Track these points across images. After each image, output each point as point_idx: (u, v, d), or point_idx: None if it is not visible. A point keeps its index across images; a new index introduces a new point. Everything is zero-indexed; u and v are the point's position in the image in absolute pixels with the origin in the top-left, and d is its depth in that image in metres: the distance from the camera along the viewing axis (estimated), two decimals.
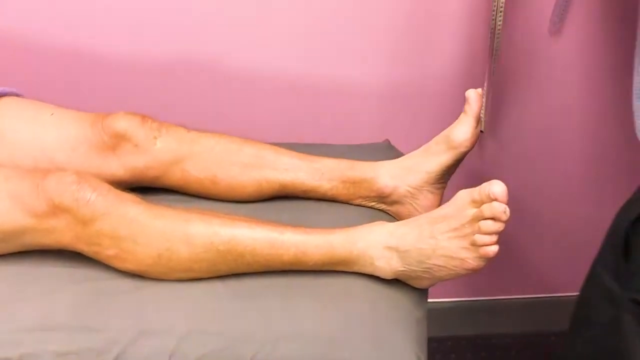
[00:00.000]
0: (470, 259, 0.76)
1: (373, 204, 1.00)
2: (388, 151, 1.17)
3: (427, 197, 0.96)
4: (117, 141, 0.95)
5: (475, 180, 0.93)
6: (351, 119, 1.35)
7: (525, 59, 1.31)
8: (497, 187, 0.72)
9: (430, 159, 0.93)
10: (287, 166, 0.99)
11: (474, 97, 0.91)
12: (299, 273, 0.86)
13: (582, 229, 1.49)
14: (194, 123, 1.03)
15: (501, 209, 0.71)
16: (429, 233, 0.79)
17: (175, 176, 1.00)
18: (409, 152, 0.99)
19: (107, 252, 0.83)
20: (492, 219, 0.73)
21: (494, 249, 0.74)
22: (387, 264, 0.83)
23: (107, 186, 0.84)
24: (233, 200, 1.01)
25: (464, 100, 1.29)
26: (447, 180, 0.98)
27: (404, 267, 0.82)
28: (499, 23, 1.16)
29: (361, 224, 0.94)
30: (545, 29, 1.28)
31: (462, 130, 0.91)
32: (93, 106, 1.02)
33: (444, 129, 0.95)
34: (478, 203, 0.74)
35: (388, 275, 0.84)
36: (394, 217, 1.00)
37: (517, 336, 1.64)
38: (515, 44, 1.28)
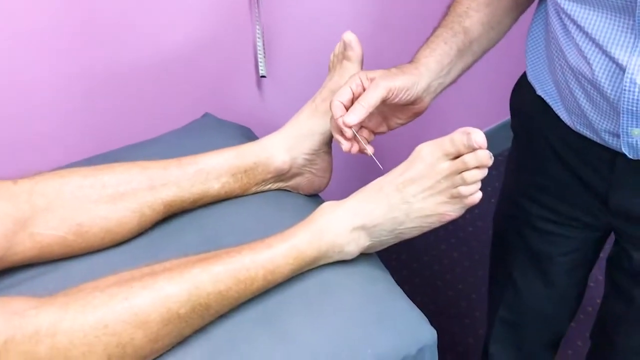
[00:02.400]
0: (451, 211, 0.73)
1: (270, 185, 0.88)
2: (218, 124, 1.03)
3: (324, 159, 0.88)
4: None
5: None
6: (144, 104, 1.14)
7: None
8: (479, 136, 0.68)
9: (322, 118, 0.84)
10: (163, 180, 0.80)
11: (354, 39, 0.83)
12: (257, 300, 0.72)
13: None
14: None
15: (487, 156, 0.69)
16: (400, 199, 0.73)
17: (23, 246, 0.72)
18: None
19: None
20: (477, 167, 0.70)
21: (480, 194, 0.72)
22: (356, 245, 0.75)
23: None
24: (112, 244, 0.78)
25: (235, 55, 1.21)
26: None
27: (372, 241, 0.76)
28: None
29: (282, 209, 0.84)
30: None
31: None
32: None
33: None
34: (452, 155, 0.71)
35: (354, 255, 0.77)
36: (293, 192, 0.90)
37: None
38: None
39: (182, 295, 0.64)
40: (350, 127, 0.75)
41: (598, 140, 0.81)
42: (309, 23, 1.32)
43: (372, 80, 0.77)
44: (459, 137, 0.69)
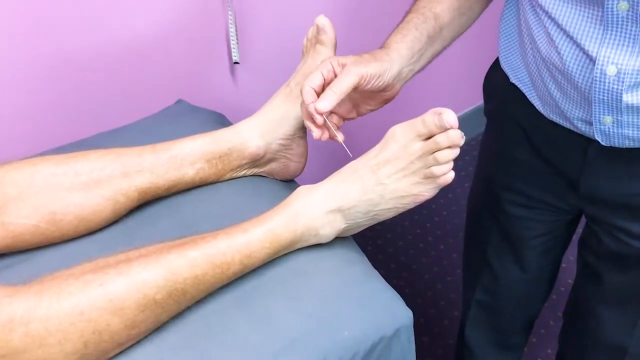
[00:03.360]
0: (424, 191, 0.74)
1: (245, 172, 0.88)
2: (191, 111, 1.03)
3: (299, 144, 0.88)
4: None
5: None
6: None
7: None
8: (450, 116, 0.69)
9: (296, 103, 0.84)
10: (137, 167, 0.79)
11: (327, 23, 0.83)
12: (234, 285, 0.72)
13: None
14: None
15: (459, 135, 0.70)
16: (375, 181, 0.74)
17: None
18: None
19: None
20: (449, 147, 0.71)
21: (452, 174, 0.73)
22: (332, 228, 0.75)
23: None
24: (86, 233, 0.78)
25: (207, 41, 1.20)
26: None
27: (348, 223, 0.76)
28: None
29: (257, 195, 0.84)
30: None
31: None
32: None
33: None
34: (424, 136, 0.71)
35: (330, 238, 0.77)
36: (268, 178, 0.90)
37: None
38: None
39: (158, 281, 0.64)
40: (321, 114, 0.75)
41: (571, 128, 0.82)
42: (282, 8, 1.32)
43: (343, 66, 0.77)
44: (430, 118, 0.69)
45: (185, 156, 0.82)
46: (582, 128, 0.80)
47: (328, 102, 0.74)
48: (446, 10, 0.86)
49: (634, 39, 0.68)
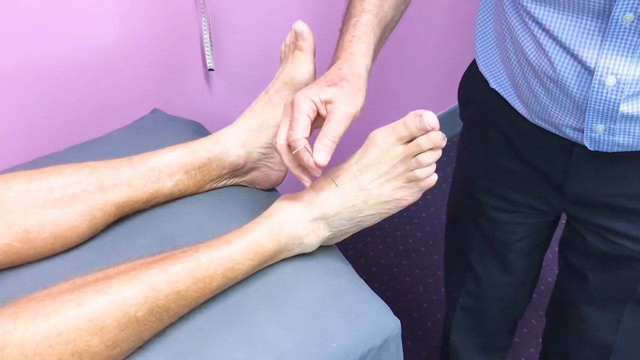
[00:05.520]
0: (408, 195, 0.73)
1: (225, 182, 0.86)
2: (168, 120, 1.01)
3: None
4: None
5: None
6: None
7: None
8: (431, 117, 0.68)
9: (275, 111, 0.82)
10: (114, 181, 0.77)
11: (306, 29, 0.82)
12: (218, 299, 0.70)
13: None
14: None
15: (440, 137, 0.69)
16: (357, 186, 0.72)
17: None
18: None
19: None
20: (431, 149, 0.70)
21: (436, 177, 0.72)
22: (316, 236, 0.74)
23: None
24: (61, 250, 0.75)
25: (181, 48, 1.18)
26: None
27: (332, 231, 0.75)
28: None
29: (239, 206, 0.82)
30: None
31: (305, 70, 0.82)
32: None
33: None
34: (405, 139, 0.70)
35: (315, 247, 0.76)
36: (249, 188, 0.88)
37: None
38: None
39: (139, 298, 0.62)
40: (321, 167, 0.67)
41: (558, 133, 0.81)
42: (258, 13, 1.30)
43: (327, 103, 0.70)
44: (411, 120, 0.68)
45: (163, 168, 0.80)
46: (570, 134, 0.79)
47: (328, 153, 0.67)
48: (390, 8, 0.83)
49: (634, 48, 0.68)
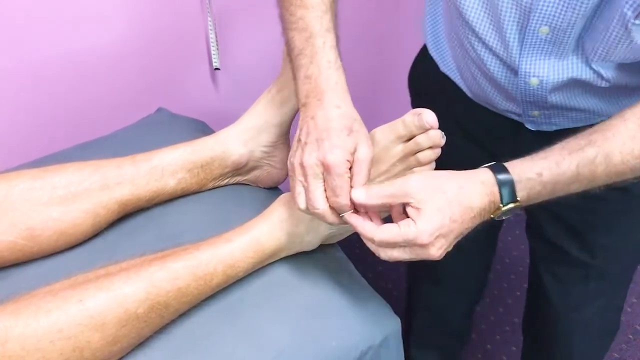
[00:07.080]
0: None
1: (227, 180, 0.86)
2: (172, 119, 1.01)
3: (283, 150, 0.86)
4: None
5: None
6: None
7: None
8: (430, 116, 0.68)
9: (278, 109, 0.83)
10: (117, 179, 0.78)
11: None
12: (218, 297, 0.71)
13: None
14: None
15: (439, 135, 0.69)
16: None
17: None
18: None
19: None
20: (430, 147, 0.70)
21: None
22: (316, 234, 0.74)
23: None
24: (65, 248, 0.76)
25: (187, 48, 1.19)
26: None
27: (332, 230, 0.75)
28: None
29: (241, 204, 0.83)
30: None
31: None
32: None
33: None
34: (404, 137, 0.70)
35: (315, 246, 0.76)
36: (252, 186, 0.89)
37: None
38: None
39: (140, 295, 0.63)
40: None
41: (502, 114, 0.86)
42: (262, 12, 1.30)
43: (353, 154, 0.64)
44: (410, 119, 0.69)
45: (166, 166, 0.80)
46: (512, 117, 0.84)
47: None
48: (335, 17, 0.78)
49: (550, 53, 0.72)
